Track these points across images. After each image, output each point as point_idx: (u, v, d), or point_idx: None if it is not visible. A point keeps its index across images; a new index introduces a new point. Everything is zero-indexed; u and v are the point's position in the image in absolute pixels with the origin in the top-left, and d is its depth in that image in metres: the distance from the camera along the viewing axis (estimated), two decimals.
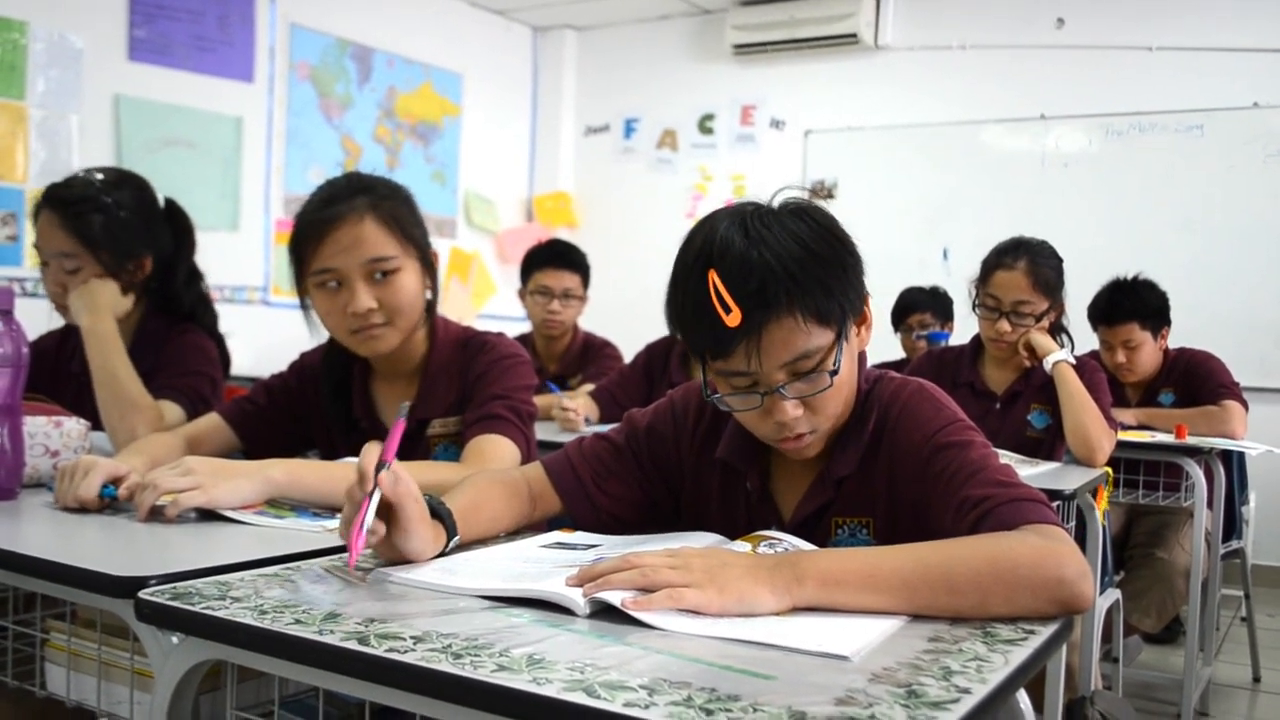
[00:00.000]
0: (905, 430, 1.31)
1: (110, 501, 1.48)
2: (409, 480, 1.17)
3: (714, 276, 1.20)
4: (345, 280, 1.75)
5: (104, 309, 2.08)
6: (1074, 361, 2.75)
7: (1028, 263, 2.76)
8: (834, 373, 1.25)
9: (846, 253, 1.27)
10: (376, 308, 1.76)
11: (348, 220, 1.74)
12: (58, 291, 2.15)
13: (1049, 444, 2.79)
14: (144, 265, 2.20)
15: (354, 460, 1.54)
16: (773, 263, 1.19)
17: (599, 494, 1.44)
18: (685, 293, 1.25)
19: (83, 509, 1.47)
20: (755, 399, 1.26)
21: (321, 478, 1.54)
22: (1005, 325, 2.78)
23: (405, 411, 1.21)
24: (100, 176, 2.19)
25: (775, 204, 1.27)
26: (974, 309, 2.87)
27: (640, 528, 1.45)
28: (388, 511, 1.15)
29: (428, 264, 1.86)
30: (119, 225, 2.14)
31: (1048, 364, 2.74)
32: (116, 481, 1.49)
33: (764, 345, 1.21)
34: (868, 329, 1.35)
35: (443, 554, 1.23)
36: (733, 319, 1.20)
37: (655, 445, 1.46)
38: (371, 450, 1.15)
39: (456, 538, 1.25)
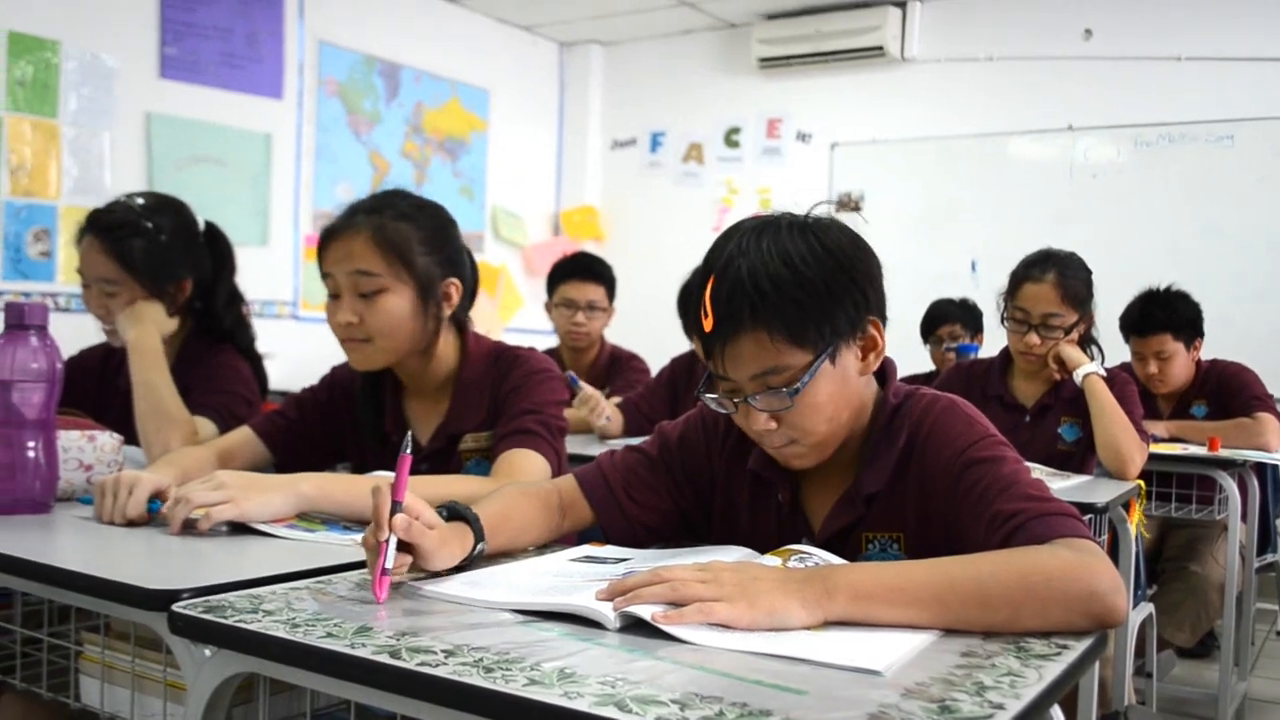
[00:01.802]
0: (936, 446, 1.31)
1: (154, 516, 1.50)
2: (424, 510, 1.17)
3: (711, 281, 1.25)
4: (338, 289, 1.80)
5: (150, 325, 2.14)
6: (1104, 374, 2.73)
7: (1056, 275, 2.74)
8: (794, 393, 1.23)
9: (845, 276, 1.25)
10: (356, 322, 1.78)
11: (345, 233, 1.79)
12: (100, 314, 2.20)
13: (1080, 457, 2.76)
14: (184, 288, 2.25)
15: (384, 474, 1.55)
16: (745, 278, 1.22)
17: (630, 504, 1.44)
18: (691, 291, 1.32)
19: (127, 525, 1.49)
20: (731, 403, 1.30)
21: (351, 492, 1.55)
22: (1034, 338, 2.76)
23: (409, 445, 1.20)
24: (141, 201, 2.25)
25: (804, 217, 1.28)
26: (1002, 322, 2.86)
27: (671, 539, 1.45)
28: (407, 546, 1.15)
29: (427, 293, 1.82)
30: (159, 250, 2.19)
31: (1078, 376, 2.71)
32: (159, 495, 1.51)
33: (729, 355, 1.25)
34: (876, 355, 1.32)
35: (469, 558, 1.23)
36: (707, 324, 1.25)
37: (687, 456, 1.47)
38: (383, 493, 1.15)
39: (483, 543, 1.25)
